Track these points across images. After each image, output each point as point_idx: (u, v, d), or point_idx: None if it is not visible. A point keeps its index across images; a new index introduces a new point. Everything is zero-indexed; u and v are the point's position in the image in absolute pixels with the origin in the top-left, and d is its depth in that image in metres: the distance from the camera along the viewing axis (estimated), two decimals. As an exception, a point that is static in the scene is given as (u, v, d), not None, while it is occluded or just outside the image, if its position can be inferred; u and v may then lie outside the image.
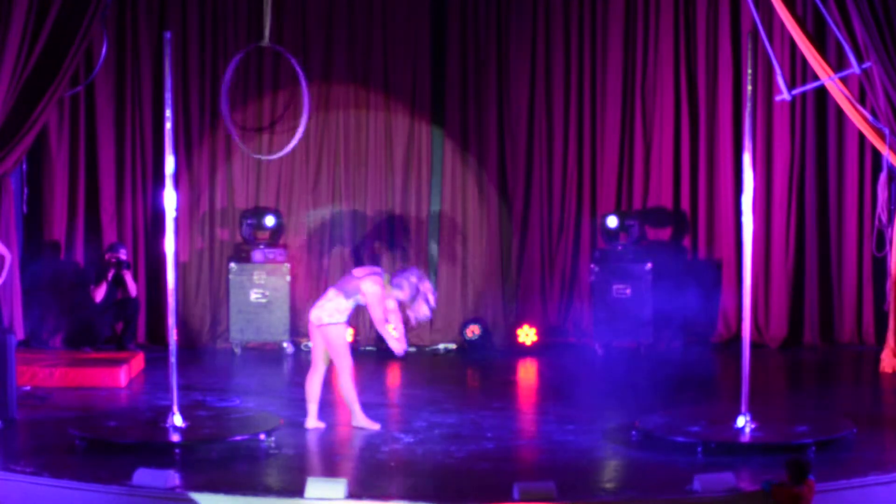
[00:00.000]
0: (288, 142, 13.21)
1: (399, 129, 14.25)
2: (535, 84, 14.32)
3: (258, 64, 14.12)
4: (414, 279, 10.44)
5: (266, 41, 12.34)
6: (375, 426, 10.55)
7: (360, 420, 10.57)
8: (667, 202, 14.28)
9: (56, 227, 13.92)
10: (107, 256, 13.52)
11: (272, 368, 13.32)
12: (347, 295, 10.40)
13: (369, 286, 10.37)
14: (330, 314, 10.40)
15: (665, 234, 14.35)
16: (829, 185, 14.06)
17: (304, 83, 12.67)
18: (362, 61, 14.21)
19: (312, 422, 10.55)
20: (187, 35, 14.03)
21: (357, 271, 10.60)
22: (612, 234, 13.91)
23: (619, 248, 13.85)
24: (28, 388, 11.78)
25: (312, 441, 10.30)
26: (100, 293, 13.44)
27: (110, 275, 13.43)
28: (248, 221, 13.95)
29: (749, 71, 9.99)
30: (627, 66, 14.26)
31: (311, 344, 10.80)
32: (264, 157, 13.75)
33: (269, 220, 13.93)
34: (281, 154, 13.22)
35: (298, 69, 12.57)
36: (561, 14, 14.24)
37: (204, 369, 13.13)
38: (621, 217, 13.91)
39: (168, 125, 10.15)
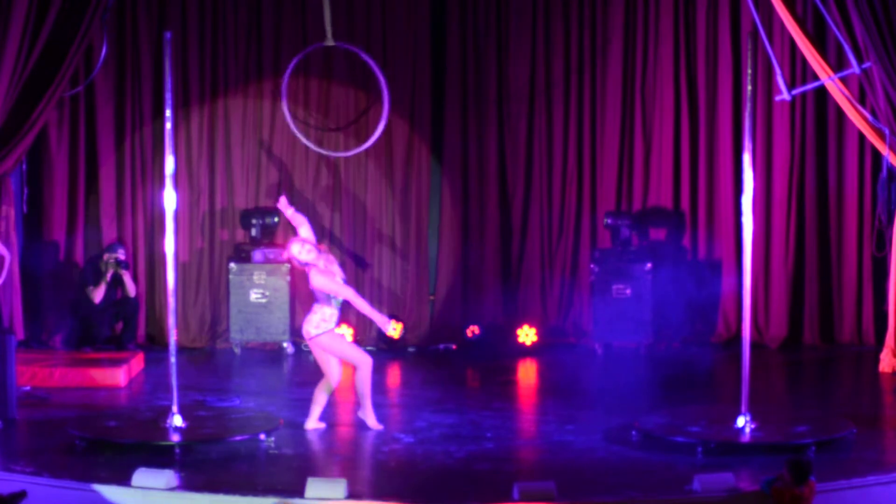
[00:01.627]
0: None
1: (399, 128, 14.24)
2: (535, 83, 14.32)
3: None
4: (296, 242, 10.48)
5: (330, 40, 12.30)
6: (378, 426, 10.55)
7: (368, 414, 10.58)
8: (667, 202, 14.28)
9: (56, 227, 13.92)
10: (105, 257, 13.52)
11: (272, 368, 13.32)
12: (323, 300, 10.39)
13: (314, 279, 10.34)
14: (316, 325, 10.40)
15: (665, 234, 14.35)
16: (829, 185, 14.05)
17: (382, 81, 12.56)
18: (363, 62, 14.19)
19: (312, 423, 10.55)
20: (187, 35, 14.03)
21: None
22: (611, 234, 13.91)
23: (619, 248, 13.85)
24: (28, 387, 11.78)
25: (312, 441, 10.31)
26: (98, 294, 13.44)
27: (109, 276, 13.43)
28: (258, 222, 13.95)
29: (749, 71, 9.99)
30: (627, 66, 14.25)
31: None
32: (334, 154, 13.72)
33: (277, 219, 13.95)
34: (355, 151, 13.15)
35: (375, 68, 12.47)
36: (561, 14, 14.24)
37: (204, 369, 13.14)
38: (621, 217, 13.90)
39: (168, 125, 10.16)
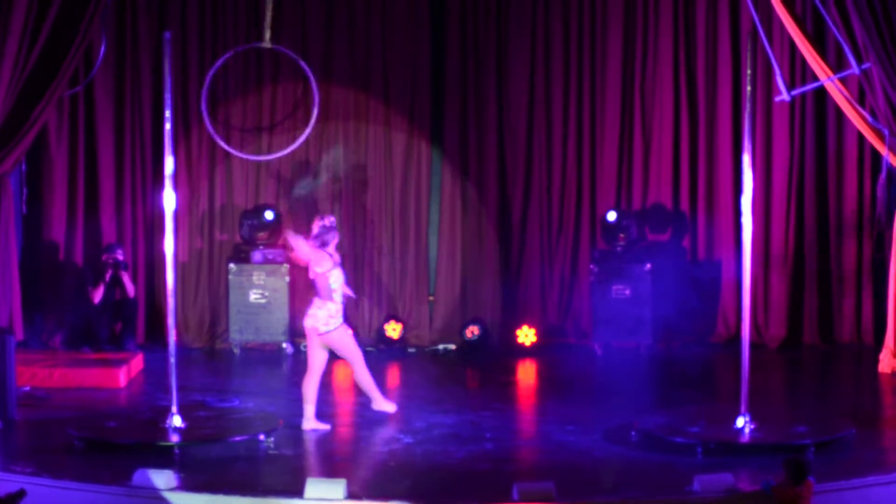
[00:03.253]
0: (287, 142, 13.14)
1: (399, 129, 14.24)
2: (534, 84, 14.32)
3: (257, 63, 14.14)
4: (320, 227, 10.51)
5: (267, 42, 12.21)
6: (393, 407, 10.81)
7: (381, 404, 10.76)
8: (666, 202, 14.28)
9: (55, 227, 13.92)
10: (104, 257, 13.52)
11: (271, 369, 13.31)
12: (326, 295, 10.40)
13: (315, 264, 10.41)
14: (325, 322, 10.41)
15: (664, 234, 14.35)
16: (828, 185, 14.05)
17: (312, 82, 12.45)
18: (362, 62, 14.20)
19: (310, 423, 10.54)
20: (187, 35, 14.03)
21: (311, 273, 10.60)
22: (611, 234, 13.91)
23: (619, 248, 13.85)
24: (28, 388, 11.77)
25: (312, 441, 10.30)
26: (98, 294, 13.44)
27: (108, 276, 13.43)
28: (249, 222, 13.95)
29: (748, 71, 9.99)
30: (627, 66, 14.25)
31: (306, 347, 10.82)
32: (260, 158, 13.68)
33: (269, 215, 13.89)
34: (280, 154, 13.06)
35: (306, 68, 12.38)
36: (560, 14, 14.24)
37: (203, 370, 13.14)
38: (621, 217, 13.90)
39: (168, 125, 10.16)
